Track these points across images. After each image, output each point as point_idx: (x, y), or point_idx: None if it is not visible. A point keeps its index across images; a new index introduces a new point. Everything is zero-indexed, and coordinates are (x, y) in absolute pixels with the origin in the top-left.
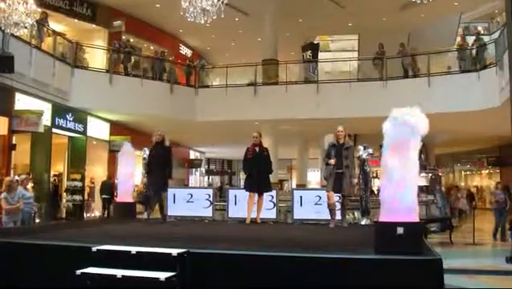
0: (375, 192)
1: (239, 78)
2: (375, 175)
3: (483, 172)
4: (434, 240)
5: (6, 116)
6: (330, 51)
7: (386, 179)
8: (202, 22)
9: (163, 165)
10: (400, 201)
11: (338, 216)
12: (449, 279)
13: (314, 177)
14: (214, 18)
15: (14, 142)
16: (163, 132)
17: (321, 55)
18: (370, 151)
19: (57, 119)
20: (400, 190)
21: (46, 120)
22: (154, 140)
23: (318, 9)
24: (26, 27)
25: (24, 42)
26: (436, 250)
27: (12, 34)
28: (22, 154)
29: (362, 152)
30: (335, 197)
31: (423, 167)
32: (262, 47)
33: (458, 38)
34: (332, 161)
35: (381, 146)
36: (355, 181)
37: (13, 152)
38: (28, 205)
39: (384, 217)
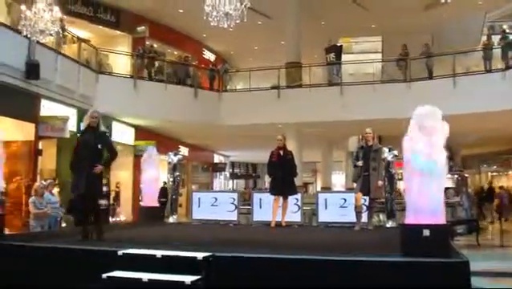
0: (401, 194)
1: (262, 81)
2: (400, 177)
3: (510, 173)
4: (460, 242)
5: (33, 122)
6: (353, 53)
7: (411, 181)
8: (225, 26)
9: (96, 158)
10: (426, 204)
11: (363, 219)
12: (475, 282)
13: (339, 179)
14: (237, 22)
15: (40, 147)
16: (99, 112)
17: (344, 57)
18: (395, 153)
19: (82, 124)
20: (426, 192)
21: (72, 125)
22: (87, 124)
23: (341, 11)
24: (51, 34)
25: (50, 49)
26: (463, 253)
27: (38, 42)
28: (48, 159)
29: (387, 154)
30: (361, 200)
31: (449, 168)
32: (285, 50)
33: (483, 38)
34: (360, 163)
35: None
36: (381, 183)
37: (39, 157)
38: (54, 209)
39: (410, 219)
